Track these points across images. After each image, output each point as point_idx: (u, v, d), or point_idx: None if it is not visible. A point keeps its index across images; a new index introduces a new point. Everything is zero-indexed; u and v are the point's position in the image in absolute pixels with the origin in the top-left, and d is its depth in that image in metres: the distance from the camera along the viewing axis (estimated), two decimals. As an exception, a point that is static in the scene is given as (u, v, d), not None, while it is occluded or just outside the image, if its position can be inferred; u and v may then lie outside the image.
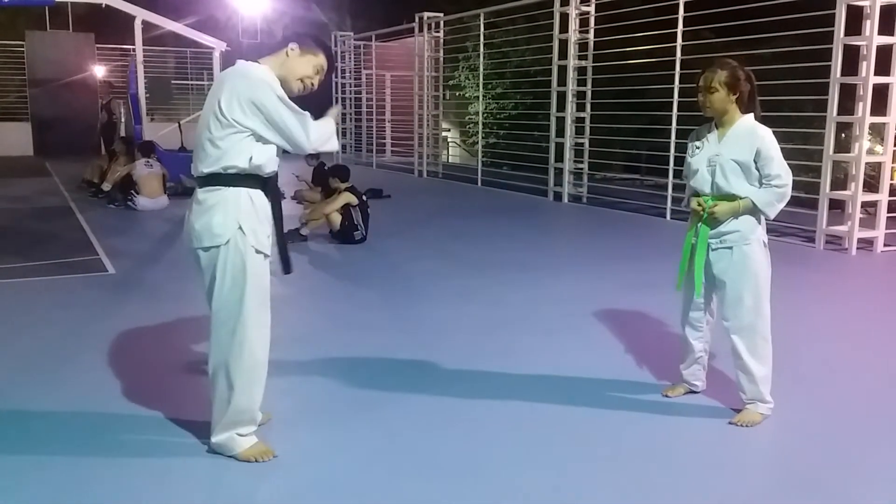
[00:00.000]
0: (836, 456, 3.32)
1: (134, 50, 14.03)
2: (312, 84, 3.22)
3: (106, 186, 11.11)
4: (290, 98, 3.09)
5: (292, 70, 3.15)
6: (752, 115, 3.58)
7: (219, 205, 3.00)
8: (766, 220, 3.61)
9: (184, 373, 4.21)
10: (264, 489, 2.99)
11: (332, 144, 3.22)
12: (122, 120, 14.71)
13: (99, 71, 18.81)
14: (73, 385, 4.01)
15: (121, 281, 6.43)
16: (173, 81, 17.65)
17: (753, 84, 3.55)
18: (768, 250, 3.63)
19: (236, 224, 2.99)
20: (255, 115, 2.96)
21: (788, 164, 3.53)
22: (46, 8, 18.52)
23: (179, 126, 14.25)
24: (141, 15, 13.65)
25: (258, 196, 3.07)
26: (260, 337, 3.14)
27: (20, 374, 4.17)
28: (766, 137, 3.49)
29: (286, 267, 3.25)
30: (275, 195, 3.18)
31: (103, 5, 13.75)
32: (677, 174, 10.14)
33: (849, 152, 8.29)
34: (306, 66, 3.17)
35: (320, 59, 3.21)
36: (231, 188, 3.01)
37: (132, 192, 10.37)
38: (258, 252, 3.05)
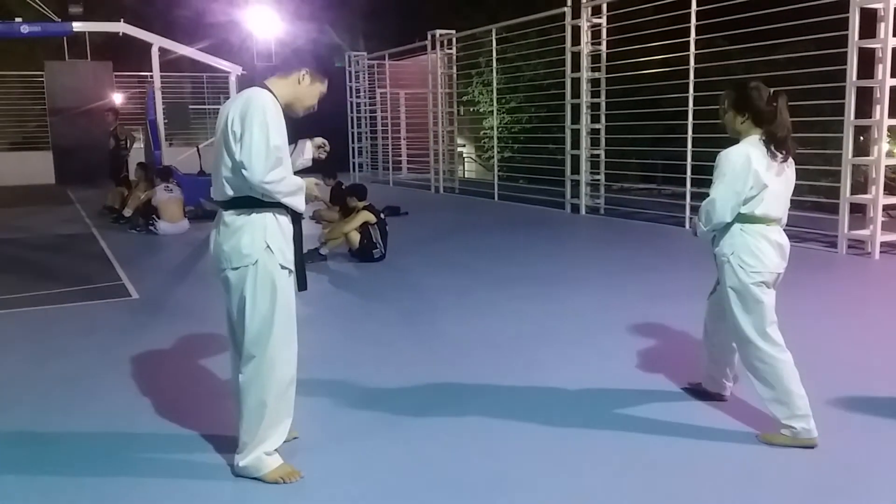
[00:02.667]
0: (862, 465, 3.28)
1: (151, 76, 14.21)
2: (314, 108, 3.34)
3: (127, 212, 11.24)
4: (292, 116, 3.21)
5: (301, 98, 3.26)
6: (755, 135, 3.48)
7: (246, 226, 3.08)
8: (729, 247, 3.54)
9: (208, 394, 4.24)
10: (291, 510, 3.00)
11: (294, 201, 3.11)
12: (128, 146, 14.88)
13: (117, 98, 19.05)
14: (99, 408, 4.05)
15: (144, 305, 6.49)
16: (191, 106, 17.85)
17: (774, 103, 3.45)
18: (747, 275, 3.49)
19: (264, 244, 3.07)
20: (240, 125, 2.99)
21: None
22: (65, 38, 18.82)
23: (198, 150, 14.40)
24: (157, 42, 13.84)
25: (283, 217, 3.15)
26: (289, 354, 3.21)
27: (47, 398, 4.22)
28: (720, 158, 3.49)
29: (302, 284, 3.29)
30: (296, 216, 3.24)
31: (120, 34, 13.97)
32: (694, 183, 10.11)
33: (868, 155, 8.23)
34: (314, 95, 3.29)
35: (323, 88, 3.31)
36: (257, 210, 3.08)
37: (153, 217, 10.48)
38: (283, 268, 3.13)
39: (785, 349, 3.52)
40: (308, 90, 3.25)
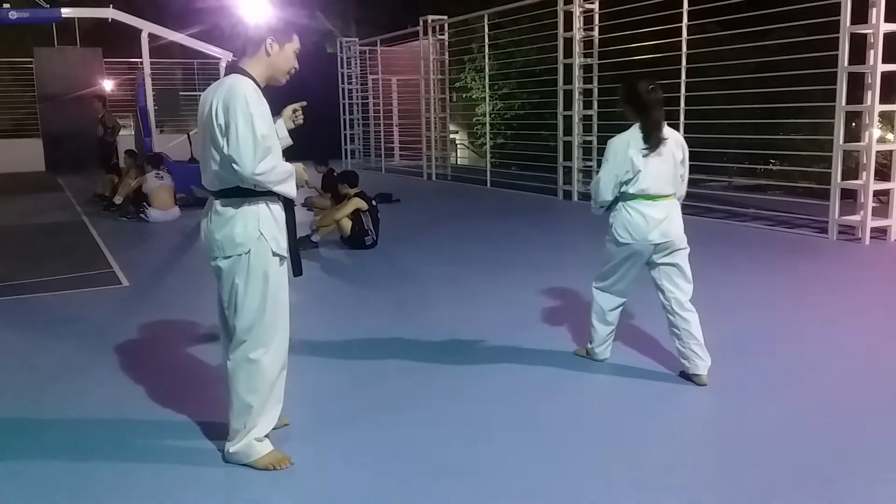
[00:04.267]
0: (850, 448, 3.30)
1: (141, 63, 14.11)
2: (295, 68, 3.26)
3: (118, 200, 11.18)
4: (277, 85, 3.19)
5: (278, 66, 3.18)
6: (635, 125, 3.94)
7: (238, 215, 3.07)
8: (615, 221, 4.07)
9: (199, 381, 4.23)
10: (280, 496, 3.00)
11: (286, 188, 3.09)
12: (114, 132, 14.80)
13: (107, 85, 18.91)
14: (90, 395, 4.05)
15: (135, 293, 6.47)
16: (181, 93, 17.75)
17: (648, 97, 3.87)
18: (616, 242, 4.08)
19: (257, 232, 3.07)
20: (223, 117, 2.95)
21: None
22: (54, 24, 18.66)
23: (189, 137, 14.33)
24: (147, 28, 13.73)
25: (275, 205, 3.14)
26: (280, 341, 3.21)
27: (39, 386, 4.21)
28: (608, 144, 4.03)
29: (296, 269, 3.29)
30: (288, 203, 3.23)
31: (110, 20, 13.84)
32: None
33: (859, 141, 8.24)
34: (288, 57, 3.20)
35: (296, 43, 3.23)
36: (250, 199, 3.07)
37: (144, 204, 10.43)
38: (276, 255, 3.13)
39: (600, 297, 4.30)
40: (281, 56, 3.16)
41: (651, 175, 3.91)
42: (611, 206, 4.09)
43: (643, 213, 3.95)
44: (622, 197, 4.00)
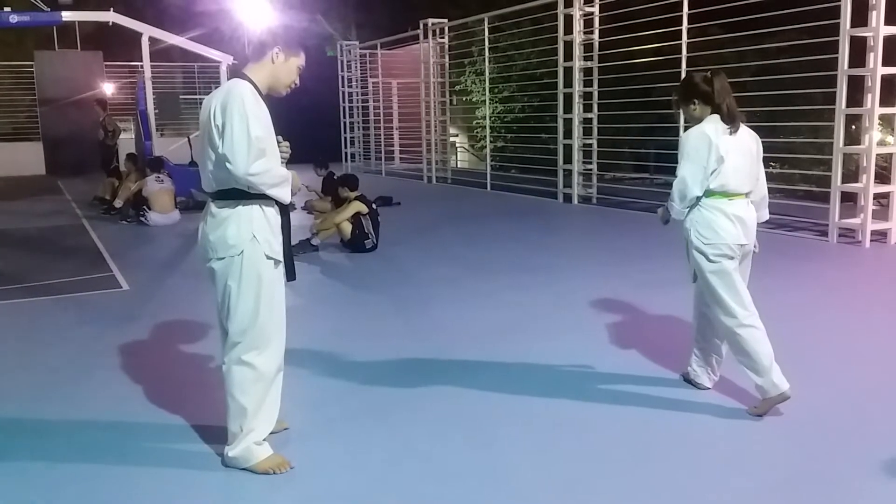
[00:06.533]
0: (849, 449, 3.29)
1: (142, 66, 14.11)
2: (296, 83, 3.29)
3: (118, 203, 11.19)
4: (276, 96, 3.20)
5: (280, 78, 3.21)
6: (714, 115, 3.69)
7: (232, 217, 3.07)
8: (699, 226, 3.71)
9: (199, 384, 4.22)
10: (280, 500, 2.99)
11: (280, 192, 3.08)
12: (114, 136, 14.82)
13: (107, 89, 18.92)
14: (91, 399, 4.05)
15: (135, 296, 6.47)
16: (182, 96, 17.75)
17: (714, 83, 3.67)
18: (703, 245, 3.67)
19: (250, 234, 3.07)
20: (220, 118, 2.97)
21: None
22: (54, 28, 18.68)
23: (189, 141, 14.34)
24: (147, 31, 13.74)
25: (270, 209, 3.14)
26: (275, 344, 3.20)
27: (40, 389, 4.21)
28: (682, 139, 3.73)
29: (290, 274, 3.29)
30: (284, 207, 3.23)
31: (110, 23, 13.86)
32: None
33: (859, 144, 8.24)
34: (291, 70, 3.23)
35: (300, 61, 3.26)
36: (244, 201, 3.08)
37: (144, 207, 10.43)
38: (269, 258, 3.12)
39: (746, 319, 3.65)
40: (284, 67, 3.19)
41: (731, 168, 3.62)
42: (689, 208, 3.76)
43: (725, 211, 3.65)
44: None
